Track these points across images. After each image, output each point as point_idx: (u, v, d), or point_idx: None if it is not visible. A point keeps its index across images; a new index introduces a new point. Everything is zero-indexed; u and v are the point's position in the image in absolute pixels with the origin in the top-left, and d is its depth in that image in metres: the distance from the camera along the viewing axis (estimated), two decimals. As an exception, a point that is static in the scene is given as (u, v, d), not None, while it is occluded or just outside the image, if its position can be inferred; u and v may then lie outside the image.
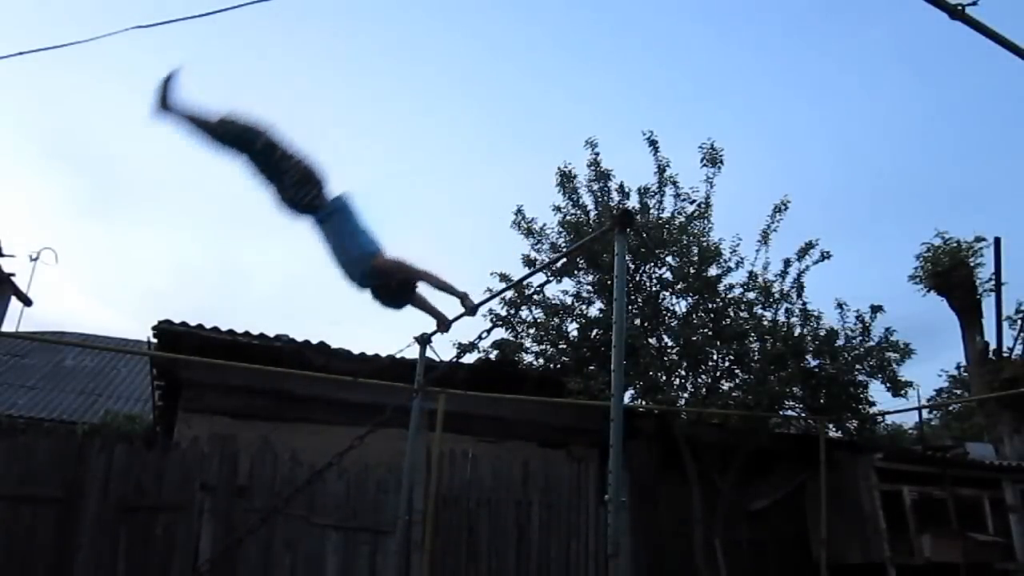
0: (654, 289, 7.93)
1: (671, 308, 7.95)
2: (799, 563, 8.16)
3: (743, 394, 7.53)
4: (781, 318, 7.91)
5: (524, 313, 8.19)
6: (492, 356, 8.09)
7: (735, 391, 7.77)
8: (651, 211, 8.02)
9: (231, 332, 7.01)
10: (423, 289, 4.19)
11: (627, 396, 7.56)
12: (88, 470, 5.69)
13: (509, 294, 7.70)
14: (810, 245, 7.88)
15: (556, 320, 8.08)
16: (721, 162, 7.97)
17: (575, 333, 8.07)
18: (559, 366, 7.89)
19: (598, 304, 8.01)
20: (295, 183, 3.82)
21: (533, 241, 8.26)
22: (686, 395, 7.87)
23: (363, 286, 3.97)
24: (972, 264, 10.13)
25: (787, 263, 7.91)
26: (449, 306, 4.33)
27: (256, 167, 3.84)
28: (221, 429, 6.40)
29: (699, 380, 7.94)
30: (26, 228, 38.35)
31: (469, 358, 7.74)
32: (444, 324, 4.44)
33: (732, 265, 7.94)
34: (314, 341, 7.22)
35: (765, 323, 7.77)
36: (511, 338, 8.19)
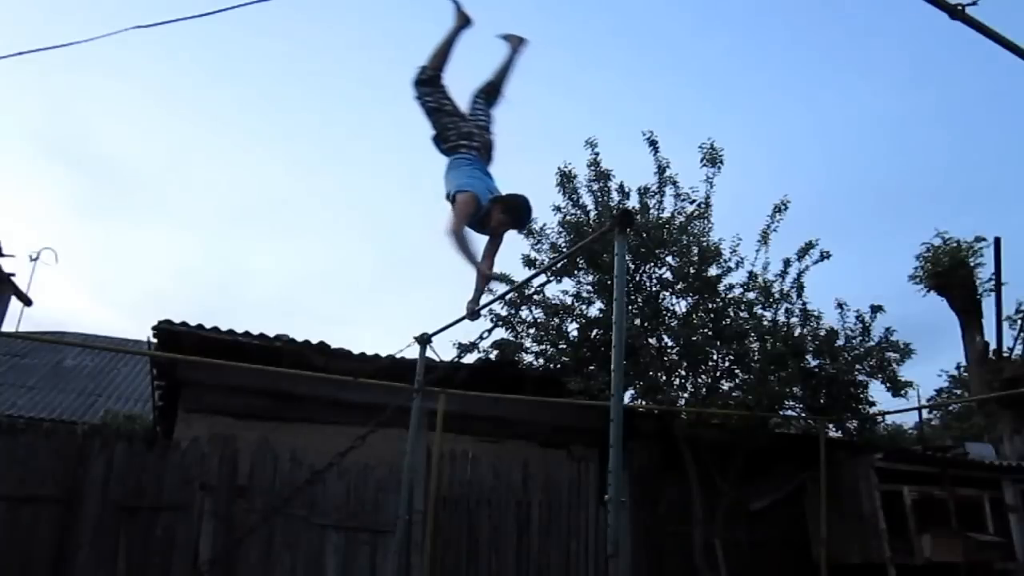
0: (654, 289, 7.93)
1: (671, 308, 7.95)
2: (799, 563, 8.16)
3: (743, 394, 7.53)
4: (781, 318, 7.90)
5: (524, 313, 8.19)
6: (492, 356, 8.09)
7: (735, 391, 7.76)
8: (651, 211, 8.01)
9: (231, 332, 7.01)
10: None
11: (627, 396, 7.57)
12: (88, 470, 5.69)
13: (509, 294, 7.70)
14: (810, 245, 7.87)
15: (556, 320, 8.07)
16: (721, 162, 7.96)
17: (575, 333, 8.06)
18: (559, 366, 7.88)
19: (598, 304, 8.00)
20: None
21: (533, 241, 8.25)
22: (686, 395, 7.87)
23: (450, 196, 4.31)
24: (972, 264, 10.10)
25: (787, 263, 7.91)
26: (448, 305, 4.45)
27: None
28: (221, 429, 6.40)
29: (699, 380, 7.93)
30: (26, 228, 38.37)
31: (469, 358, 7.76)
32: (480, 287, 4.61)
33: (732, 265, 7.95)
34: (314, 341, 7.22)
35: (765, 323, 7.76)
36: (511, 338, 8.19)
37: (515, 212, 4.30)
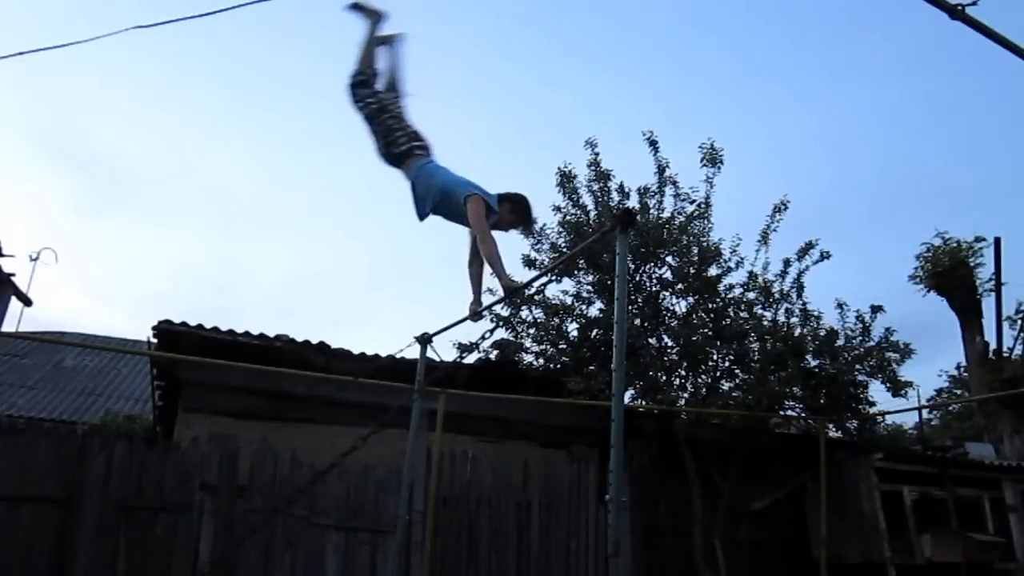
0: (654, 289, 7.93)
1: (671, 308, 7.95)
2: (799, 563, 8.16)
3: (743, 394, 7.53)
4: (781, 318, 7.91)
5: (524, 313, 8.19)
6: (492, 356, 8.09)
7: (735, 391, 7.77)
8: (651, 211, 8.01)
9: (231, 332, 7.01)
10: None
11: (627, 396, 7.56)
12: (88, 470, 5.69)
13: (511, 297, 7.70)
14: (810, 245, 7.87)
15: (556, 320, 8.07)
16: (721, 162, 7.97)
17: (575, 333, 8.07)
18: (559, 366, 7.89)
19: (598, 304, 8.01)
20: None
21: (533, 241, 8.26)
22: (686, 395, 7.87)
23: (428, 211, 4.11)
24: (972, 264, 10.11)
25: (787, 263, 7.91)
26: (449, 305, 4.37)
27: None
28: (221, 429, 6.40)
29: (699, 380, 7.94)
30: (26, 228, 38.37)
31: (469, 358, 7.77)
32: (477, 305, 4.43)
33: (732, 265, 7.95)
34: (314, 341, 7.22)
35: (765, 323, 7.76)
36: (511, 338, 8.19)
37: (523, 212, 4.19)
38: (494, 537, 6.84)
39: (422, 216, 4.11)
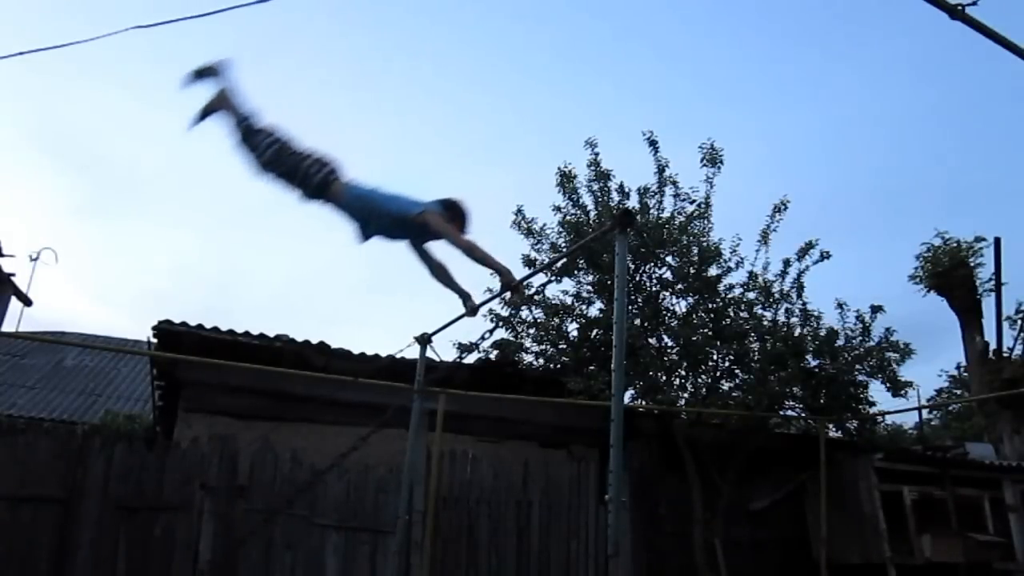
0: (654, 289, 7.93)
1: (671, 308, 7.95)
2: (799, 563, 8.16)
3: (743, 394, 7.53)
4: (781, 318, 7.91)
5: (524, 313, 8.19)
6: (492, 356, 8.09)
7: (735, 391, 7.77)
8: (651, 211, 8.01)
9: (231, 332, 7.01)
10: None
11: (627, 396, 7.56)
12: (88, 470, 5.69)
13: (509, 294, 7.71)
14: (810, 245, 7.88)
15: (556, 320, 8.08)
16: (721, 162, 7.97)
17: (575, 333, 8.07)
18: (559, 366, 7.89)
19: (598, 304, 8.01)
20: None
21: (533, 241, 8.26)
22: (686, 395, 7.87)
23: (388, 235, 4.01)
24: (972, 264, 10.10)
25: (787, 263, 7.91)
26: (448, 304, 4.34)
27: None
28: (221, 429, 6.40)
29: (699, 380, 7.93)
30: (26, 228, 38.36)
31: (469, 358, 7.77)
32: (470, 303, 4.33)
33: (732, 265, 7.95)
34: (314, 341, 7.22)
35: (765, 323, 7.76)
36: (511, 338, 8.19)
37: (462, 216, 4.01)
38: (494, 537, 6.84)
39: (365, 239, 4.00)
